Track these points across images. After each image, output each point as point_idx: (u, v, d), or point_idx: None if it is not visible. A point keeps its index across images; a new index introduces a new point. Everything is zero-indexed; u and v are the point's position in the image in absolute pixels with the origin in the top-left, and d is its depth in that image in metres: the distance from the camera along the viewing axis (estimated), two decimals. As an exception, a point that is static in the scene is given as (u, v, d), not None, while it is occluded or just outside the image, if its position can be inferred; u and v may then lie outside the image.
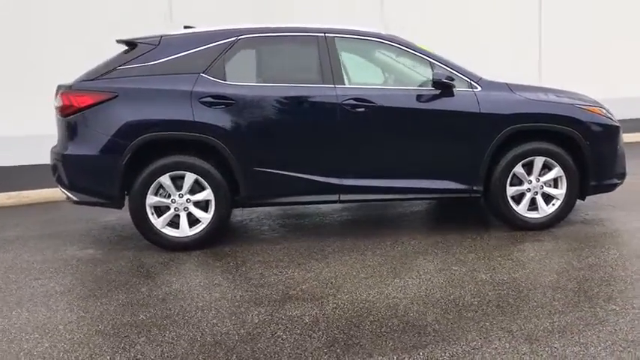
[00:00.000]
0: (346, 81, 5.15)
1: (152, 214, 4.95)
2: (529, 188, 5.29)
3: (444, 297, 3.85)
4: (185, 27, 5.56)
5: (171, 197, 4.96)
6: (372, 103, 5.05)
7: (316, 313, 3.67)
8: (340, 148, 5.08)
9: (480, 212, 6.08)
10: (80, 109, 4.87)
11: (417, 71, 5.33)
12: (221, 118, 4.91)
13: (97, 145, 4.87)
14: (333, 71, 5.08)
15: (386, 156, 5.16)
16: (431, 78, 5.15)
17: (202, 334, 3.43)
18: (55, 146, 5.18)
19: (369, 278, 4.25)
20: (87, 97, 4.86)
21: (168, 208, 4.98)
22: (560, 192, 5.31)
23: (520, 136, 5.23)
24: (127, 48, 5.33)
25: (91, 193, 4.99)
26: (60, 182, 5.10)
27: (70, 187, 4.99)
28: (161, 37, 5.14)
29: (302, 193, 5.12)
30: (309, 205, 6.39)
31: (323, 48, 5.12)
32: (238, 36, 5.11)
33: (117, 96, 4.86)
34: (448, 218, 6.00)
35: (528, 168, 5.28)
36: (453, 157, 5.20)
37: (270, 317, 3.63)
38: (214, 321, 3.60)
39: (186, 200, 4.96)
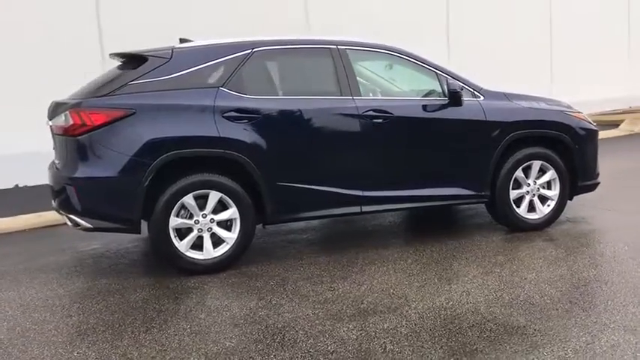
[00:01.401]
0: (362, 92, 5.16)
1: (175, 236, 4.65)
2: (528, 191, 5.59)
3: (513, 298, 3.97)
4: (181, 40, 5.31)
5: (194, 218, 4.69)
6: (390, 113, 5.11)
7: (406, 323, 3.65)
8: (361, 159, 5.09)
9: (452, 219, 6.32)
10: (94, 128, 4.49)
11: (424, 82, 5.46)
12: (245, 133, 4.74)
13: (115, 165, 4.51)
14: (349, 83, 5.09)
15: (403, 165, 5.25)
16: (437, 88, 5.36)
17: (313, 355, 3.29)
18: (58, 168, 4.74)
19: (424, 286, 4.29)
20: (101, 114, 4.50)
21: (189, 230, 4.70)
22: (554, 193, 5.66)
23: (519, 142, 5.52)
24: (123, 62, 5.03)
25: (108, 219, 4.61)
26: (66, 208, 4.65)
27: (82, 213, 4.57)
28: (172, 49, 4.87)
29: (325, 206, 5.06)
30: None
31: (337, 60, 5.12)
32: (253, 48, 4.97)
33: (134, 112, 4.54)
34: (437, 226, 6.18)
35: (525, 172, 5.57)
36: (464, 164, 5.38)
37: (365, 332, 3.55)
38: (311, 341, 3.46)
39: (210, 220, 4.72)
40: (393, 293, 4.17)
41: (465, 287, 4.22)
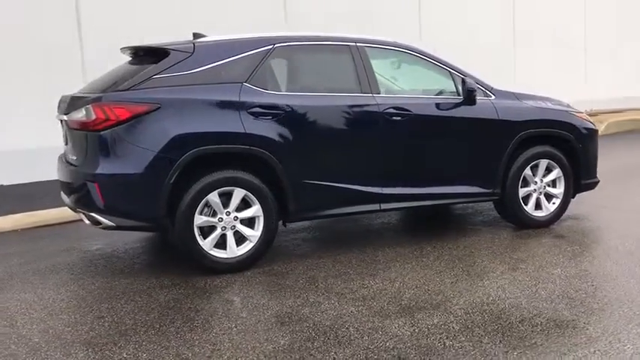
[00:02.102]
0: (382, 90, 5.17)
1: (199, 235, 4.54)
2: (535, 189, 5.71)
3: (549, 293, 4.05)
4: (194, 34, 5.19)
5: (218, 216, 4.59)
6: (409, 111, 5.14)
7: (455, 319, 3.67)
8: (381, 156, 5.09)
9: (454, 217, 6.40)
10: (119, 123, 4.34)
11: (437, 80, 5.51)
12: (270, 130, 4.68)
13: (140, 162, 4.37)
14: (369, 80, 5.09)
15: (421, 163, 5.28)
16: (450, 87, 5.44)
17: (374, 351, 3.27)
18: (74, 164, 4.56)
19: (457, 282, 4.32)
20: (126, 108, 4.36)
21: (212, 228, 4.60)
22: (559, 191, 5.80)
23: (528, 141, 5.63)
24: (139, 55, 4.89)
25: (133, 217, 4.47)
26: (86, 205, 4.48)
27: (104, 211, 4.40)
28: (194, 44, 4.76)
29: (347, 204, 5.03)
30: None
31: (357, 57, 5.11)
32: (275, 44, 4.91)
33: (160, 107, 4.42)
34: (443, 224, 6.26)
35: (532, 170, 5.69)
36: (479, 162, 5.45)
37: (418, 328, 3.55)
38: (366, 338, 3.44)
39: (234, 218, 4.64)
40: (429, 290, 4.18)
41: (498, 283, 4.27)
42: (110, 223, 4.43)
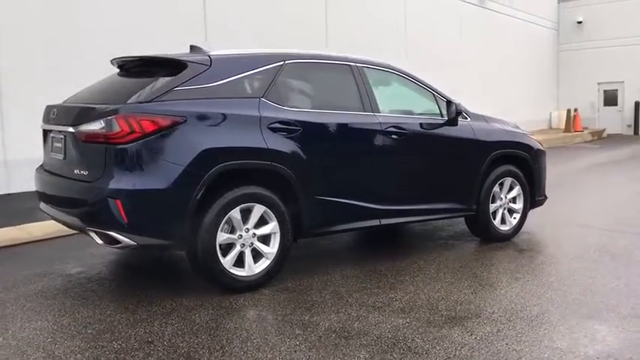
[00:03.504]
0: (380, 109, 5.34)
1: (220, 253, 4.42)
2: (501, 205, 6.17)
3: (562, 297, 4.42)
4: (191, 47, 5.06)
5: (238, 233, 4.50)
6: (405, 130, 5.36)
7: (506, 326, 3.88)
8: (382, 173, 5.26)
9: (413, 234, 6.74)
10: (144, 136, 4.13)
11: (423, 101, 5.79)
12: (288, 145, 4.68)
13: (167, 177, 4.18)
14: (370, 99, 5.25)
15: (414, 180, 5.51)
16: (433, 108, 5.75)
17: (459, 359, 3.40)
18: (85, 180, 4.25)
19: (477, 292, 4.56)
20: (153, 121, 4.16)
21: (229, 245, 4.49)
22: (519, 207, 6.31)
23: (497, 161, 6.07)
24: (145, 67, 4.71)
25: (157, 235, 4.23)
26: (104, 223, 4.17)
27: (127, 230, 4.13)
28: (209, 56, 4.65)
29: (352, 220, 5.13)
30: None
31: (358, 77, 5.26)
32: (285, 60, 4.92)
33: (185, 120, 4.26)
34: (413, 241, 6.52)
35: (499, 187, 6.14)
36: (460, 180, 5.80)
37: (479, 336, 3.72)
38: (439, 348, 3.55)
39: (252, 235, 4.56)
40: (457, 300, 4.38)
41: (513, 291, 4.58)
42: (132, 243, 4.16)
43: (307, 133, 4.78)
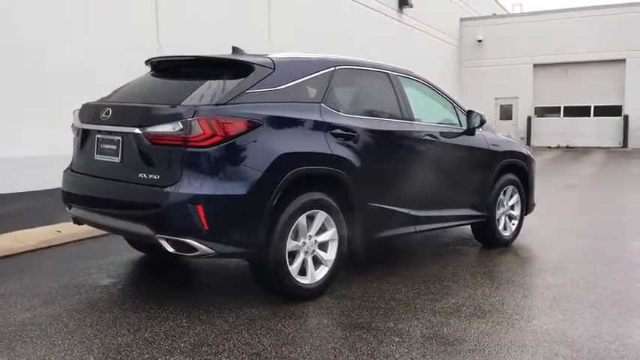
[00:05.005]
0: (415, 117, 5.42)
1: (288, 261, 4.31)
2: (504, 212, 6.45)
3: (582, 294, 4.71)
4: (233, 48, 4.92)
5: (301, 240, 4.41)
6: (436, 139, 5.49)
7: (572, 325, 4.10)
8: (420, 180, 5.33)
9: (422, 242, 6.91)
10: (226, 139, 3.95)
11: (443, 110, 5.94)
12: (347, 151, 4.65)
13: (248, 182, 4.02)
14: (407, 107, 5.34)
15: (444, 187, 5.63)
16: (451, 117, 5.91)
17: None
18: (156, 184, 3.99)
19: (514, 295, 4.76)
20: (235, 124, 3.99)
21: (293, 252, 4.39)
22: (517, 213, 6.63)
23: (502, 170, 6.35)
24: (204, 67, 4.54)
25: (236, 243, 4.05)
26: (180, 231, 3.92)
27: (207, 237, 3.92)
28: (272, 59, 4.53)
29: (394, 226, 5.17)
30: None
31: (396, 84, 5.32)
32: (336, 66, 4.89)
33: (262, 124, 4.13)
34: (425, 248, 6.64)
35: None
36: (478, 187, 6.01)
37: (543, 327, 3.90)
38: (546, 345, 3.69)
39: (314, 242, 4.49)
40: (506, 302, 4.54)
41: (549, 292, 4.80)
42: (210, 251, 3.95)
43: (363, 139, 4.78)
